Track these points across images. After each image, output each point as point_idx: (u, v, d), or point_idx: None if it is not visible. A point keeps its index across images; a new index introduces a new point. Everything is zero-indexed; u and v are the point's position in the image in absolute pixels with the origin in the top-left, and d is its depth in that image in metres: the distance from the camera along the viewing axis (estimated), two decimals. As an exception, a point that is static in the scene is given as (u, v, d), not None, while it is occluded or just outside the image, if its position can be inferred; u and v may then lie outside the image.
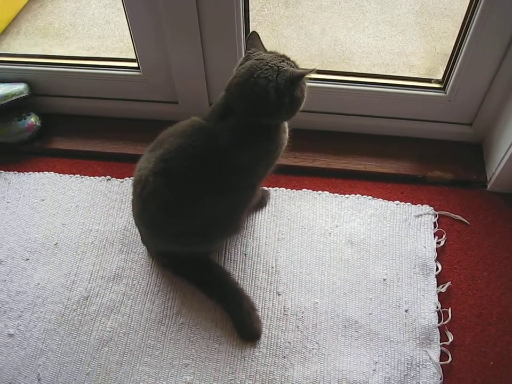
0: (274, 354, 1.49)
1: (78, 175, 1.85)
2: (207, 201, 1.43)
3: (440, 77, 1.81)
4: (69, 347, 1.51)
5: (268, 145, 1.43)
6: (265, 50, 1.38)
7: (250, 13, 1.70)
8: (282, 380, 1.45)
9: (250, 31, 1.40)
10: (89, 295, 1.59)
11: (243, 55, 1.39)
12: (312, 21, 2.39)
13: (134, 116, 1.95)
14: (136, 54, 1.78)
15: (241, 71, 1.33)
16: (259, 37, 1.40)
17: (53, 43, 2.36)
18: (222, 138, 1.38)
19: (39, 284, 1.62)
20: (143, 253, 1.66)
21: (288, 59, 1.36)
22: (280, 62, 1.33)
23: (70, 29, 2.41)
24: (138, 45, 1.74)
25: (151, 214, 1.48)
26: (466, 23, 1.61)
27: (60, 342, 1.52)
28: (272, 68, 1.31)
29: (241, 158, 1.41)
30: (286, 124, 1.48)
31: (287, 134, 1.48)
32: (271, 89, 1.30)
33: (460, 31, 1.66)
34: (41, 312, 1.57)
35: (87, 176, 1.85)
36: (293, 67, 1.34)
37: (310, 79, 1.80)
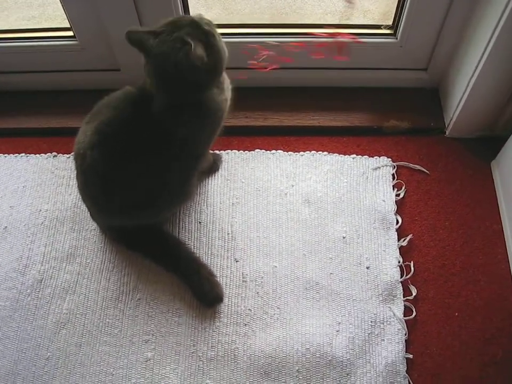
0: (235, 323, 1.47)
1: (23, 154, 1.77)
2: (148, 172, 1.38)
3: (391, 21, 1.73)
4: (26, 332, 1.48)
5: (206, 114, 1.37)
6: (153, 32, 1.27)
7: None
8: (245, 348, 1.43)
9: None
10: (43, 278, 1.55)
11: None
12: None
13: (76, 87, 1.86)
14: (69, 22, 1.69)
15: (151, 68, 1.29)
16: (137, 30, 1.29)
17: (-9, 15, 2.25)
18: (157, 113, 1.32)
19: (-11, 270, 1.57)
20: (95, 229, 1.61)
21: (179, 21, 1.27)
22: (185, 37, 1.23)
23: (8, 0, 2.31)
24: (70, 12, 1.65)
25: (92, 188, 1.43)
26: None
27: (16, 329, 1.49)
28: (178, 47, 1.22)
29: (180, 132, 1.35)
30: (224, 84, 1.40)
31: (226, 95, 1.40)
32: (180, 62, 1.23)
33: (406, -28, 1.59)
34: (-5, 299, 1.53)
35: (32, 155, 1.77)
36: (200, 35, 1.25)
37: (259, 34, 1.75)
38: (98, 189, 1.42)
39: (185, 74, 1.24)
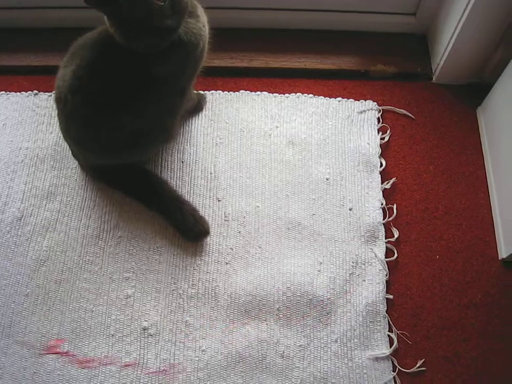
0: (216, 261, 1.46)
1: (3, 92, 1.73)
2: (128, 115, 1.36)
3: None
4: (5, 270, 1.46)
5: (186, 47, 1.30)
6: None
7: None
8: (226, 287, 1.43)
9: None
10: (22, 215, 1.53)
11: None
12: None
13: (57, 25, 1.81)
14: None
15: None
16: None
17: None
18: (135, 53, 1.27)
19: (-32, 207, 1.55)
20: (76, 168, 1.59)
21: None
22: None
23: None
24: None
25: (76, 131, 1.42)
26: None
27: (-5, 265, 1.47)
28: None
29: (159, 67, 1.31)
30: (198, 10, 1.34)
31: (202, 20, 1.34)
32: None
33: None
34: (-27, 236, 1.51)
35: (13, 93, 1.73)
36: None
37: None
38: (81, 131, 1.41)
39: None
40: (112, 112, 1.35)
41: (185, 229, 1.48)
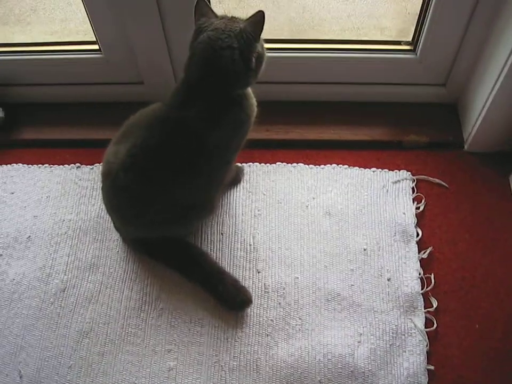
0: (257, 333, 1.47)
1: (47, 165, 1.80)
2: (181, 189, 1.41)
3: (411, 38, 1.76)
4: (49, 341, 1.49)
5: (241, 116, 1.39)
6: (215, 16, 1.32)
7: (212, -17, 1.65)
8: (267, 359, 1.44)
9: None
10: (66, 287, 1.56)
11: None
12: (280, -12, 2.34)
13: (100, 100, 1.89)
14: (96, 36, 1.72)
15: (199, 47, 1.28)
16: (207, 4, 1.33)
17: (14, 30, 2.28)
18: (192, 124, 1.34)
19: (14, 279, 1.58)
20: (118, 239, 1.63)
21: (238, 18, 1.32)
22: (234, 24, 1.28)
23: (31, 14, 2.33)
24: (96, 25, 1.68)
25: (123, 205, 1.46)
26: (432, -19, 1.56)
27: (39, 337, 1.49)
28: (230, 35, 1.26)
29: (215, 136, 1.37)
30: (251, 92, 1.44)
31: (255, 101, 1.44)
32: (237, 56, 1.26)
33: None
34: (18, 307, 1.54)
35: (56, 165, 1.79)
36: None
37: (278, 49, 1.77)
38: (129, 207, 1.45)
39: (243, 62, 1.28)
40: (164, 188, 1.40)
41: (227, 299, 1.50)
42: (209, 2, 1.64)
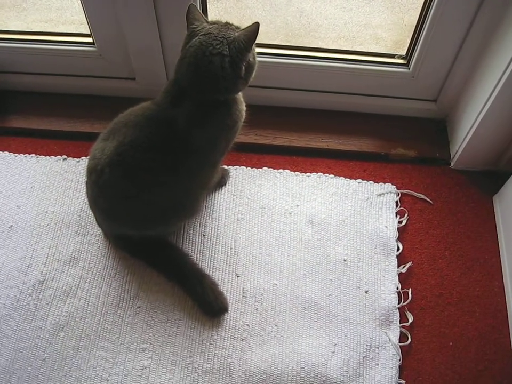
0: (232, 337, 1.48)
1: (33, 155, 1.79)
2: (165, 189, 1.42)
3: (406, 50, 1.77)
4: (25, 332, 1.49)
5: (227, 120, 1.40)
6: (206, 22, 1.32)
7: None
8: (241, 363, 1.44)
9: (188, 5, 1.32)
10: (45, 279, 1.56)
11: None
12: (278, -9, 2.33)
13: (91, 93, 1.89)
14: (90, 29, 1.71)
15: (190, 50, 1.28)
16: (197, 9, 1.33)
17: (10, 15, 2.26)
18: (180, 123, 1.35)
19: (-7, 268, 1.58)
20: (100, 235, 1.63)
21: (232, 25, 1.32)
22: (227, 31, 1.28)
23: (28, 0, 2.32)
24: (92, 19, 1.67)
25: (107, 202, 1.46)
26: (429, -4, 1.57)
27: (15, 328, 1.49)
28: (222, 42, 1.26)
29: (202, 138, 1.38)
30: (241, 96, 1.44)
31: (244, 106, 1.45)
32: (227, 64, 1.26)
33: (423, 3, 1.61)
34: (-4, 297, 1.54)
35: (42, 156, 1.79)
36: None
37: (273, 54, 1.78)
38: (112, 203, 1.45)
39: (232, 69, 1.28)
40: (149, 187, 1.40)
41: (205, 303, 1.50)
42: (206, 1, 1.65)
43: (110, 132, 1.43)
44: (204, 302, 1.50)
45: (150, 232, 1.52)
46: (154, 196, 1.42)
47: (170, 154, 1.37)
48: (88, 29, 1.72)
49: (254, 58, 1.34)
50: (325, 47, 1.97)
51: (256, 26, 1.25)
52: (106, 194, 1.44)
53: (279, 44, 1.96)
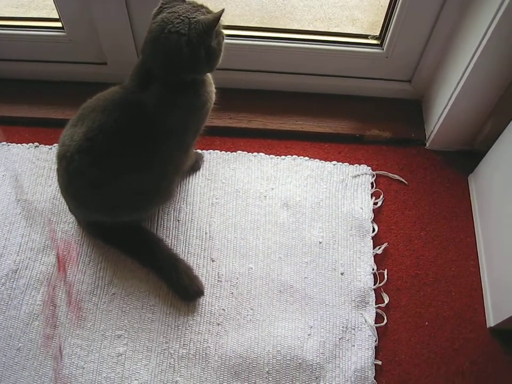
0: (208, 322, 1.48)
1: (4, 143, 1.76)
2: (137, 174, 1.40)
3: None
4: (-2, 322, 1.47)
5: (196, 101, 1.39)
6: (183, 1, 1.30)
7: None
8: (217, 348, 1.44)
9: None
10: (18, 268, 1.54)
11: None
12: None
13: (62, 79, 1.86)
14: (58, 13, 1.68)
15: (153, 26, 1.27)
16: None
17: (-21, 2, 2.23)
18: (148, 106, 1.33)
19: (-36, 257, 1.56)
20: (73, 222, 1.61)
21: (205, 8, 1.30)
22: (194, 13, 1.26)
23: (-1, -15, 2.29)
24: (60, 3, 1.64)
25: (78, 189, 1.44)
26: (401, -24, 1.55)
27: (-12, 318, 1.48)
28: (184, 21, 1.24)
29: (171, 120, 1.37)
30: (211, 78, 1.43)
31: (213, 88, 1.44)
32: (183, 43, 1.24)
33: (395, -16, 1.60)
34: (-32, 287, 1.52)
35: (13, 144, 1.76)
36: None
37: (247, 36, 1.76)
38: (83, 190, 1.43)
39: (189, 49, 1.26)
40: (120, 172, 1.39)
41: (180, 288, 1.50)
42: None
43: (78, 117, 1.41)
44: (179, 286, 1.49)
45: (123, 218, 1.51)
46: (126, 181, 1.40)
47: (140, 138, 1.36)
48: (57, 13, 1.69)
49: (219, 45, 1.31)
50: (300, 28, 1.96)
51: (219, 12, 1.24)
52: (77, 181, 1.42)
53: (255, 25, 1.95)
